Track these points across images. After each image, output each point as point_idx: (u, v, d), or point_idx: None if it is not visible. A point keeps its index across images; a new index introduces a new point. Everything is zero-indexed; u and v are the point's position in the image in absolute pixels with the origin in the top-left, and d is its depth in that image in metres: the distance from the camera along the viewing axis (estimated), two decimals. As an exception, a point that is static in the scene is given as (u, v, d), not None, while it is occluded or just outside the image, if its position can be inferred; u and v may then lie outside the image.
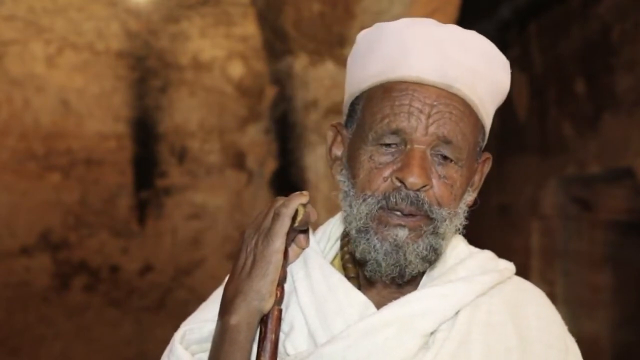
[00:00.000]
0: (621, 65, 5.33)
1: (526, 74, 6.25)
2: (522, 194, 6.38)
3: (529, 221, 6.22)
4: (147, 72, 5.79)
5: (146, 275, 5.82)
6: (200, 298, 1.48)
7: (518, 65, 6.20)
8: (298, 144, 5.17)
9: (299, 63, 5.12)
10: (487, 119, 1.34)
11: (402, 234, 1.26)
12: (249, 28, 5.69)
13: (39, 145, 5.62)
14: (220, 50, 5.84)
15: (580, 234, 6.08)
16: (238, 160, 5.89)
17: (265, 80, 5.53)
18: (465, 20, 5.10)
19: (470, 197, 1.34)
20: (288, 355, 1.30)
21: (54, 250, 5.66)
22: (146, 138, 5.80)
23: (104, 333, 5.72)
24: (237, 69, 5.86)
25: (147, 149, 5.81)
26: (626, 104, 5.28)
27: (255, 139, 5.84)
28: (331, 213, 1.46)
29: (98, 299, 5.74)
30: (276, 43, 5.23)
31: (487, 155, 1.38)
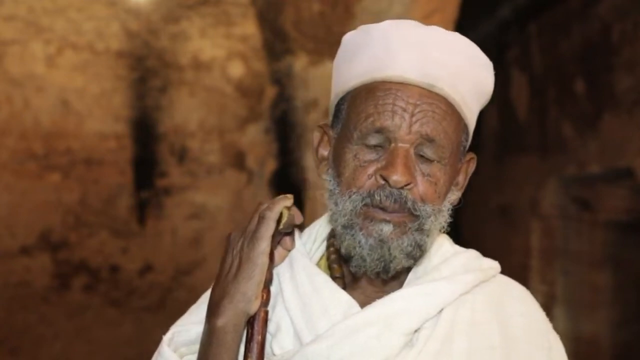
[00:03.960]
0: (621, 65, 5.33)
1: (526, 74, 6.25)
2: (522, 194, 6.38)
3: (529, 221, 6.22)
4: (147, 72, 5.79)
5: (146, 275, 5.82)
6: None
7: (518, 65, 6.20)
8: (298, 144, 5.18)
9: (299, 63, 5.13)
10: (471, 119, 1.35)
11: (387, 229, 1.28)
12: (249, 28, 5.69)
13: (39, 145, 5.62)
14: (220, 50, 5.84)
15: (580, 234, 6.08)
16: (238, 160, 5.89)
17: (265, 80, 5.54)
18: (465, 20, 5.09)
19: (454, 196, 1.36)
20: (275, 355, 1.31)
21: (54, 250, 5.65)
22: (146, 138, 5.80)
23: (104, 333, 5.72)
24: (237, 69, 5.85)
25: (147, 149, 5.81)
26: (626, 104, 5.28)
27: (255, 139, 5.83)
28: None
29: (98, 299, 5.73)
30: (276, 43, 5.24)
31: (472, 155, 1.40)
